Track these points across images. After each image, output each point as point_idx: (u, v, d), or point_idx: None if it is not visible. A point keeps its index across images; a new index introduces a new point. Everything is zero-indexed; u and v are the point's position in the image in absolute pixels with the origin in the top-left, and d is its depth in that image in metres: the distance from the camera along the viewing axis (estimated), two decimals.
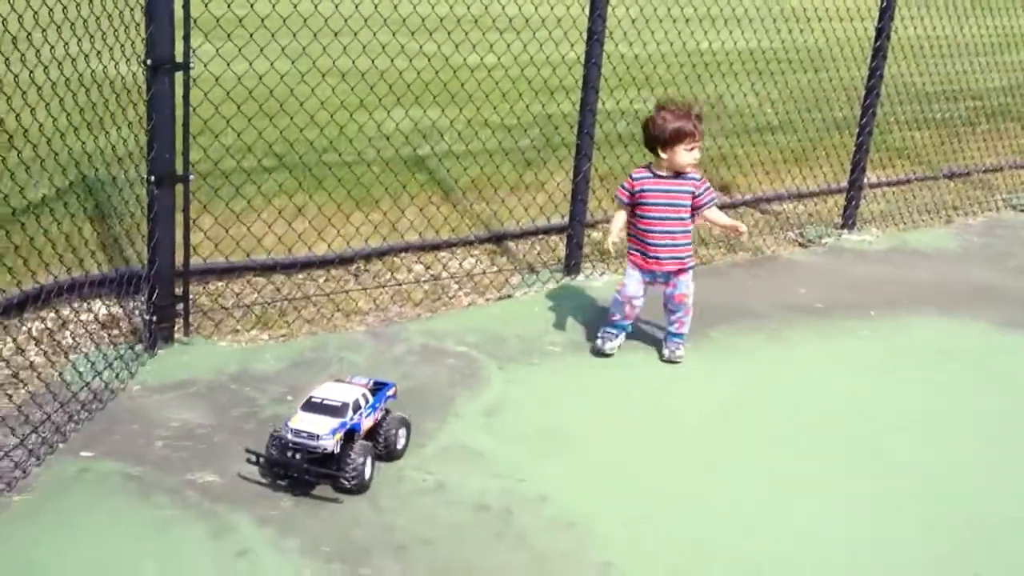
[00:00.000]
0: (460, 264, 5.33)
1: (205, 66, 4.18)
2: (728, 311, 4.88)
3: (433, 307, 4.82)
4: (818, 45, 6.97)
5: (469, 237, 5.56)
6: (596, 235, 5.66)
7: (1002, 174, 7.89)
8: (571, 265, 5.18)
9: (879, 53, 5.97)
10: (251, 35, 4.34)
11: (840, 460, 3.66)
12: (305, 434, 3.17)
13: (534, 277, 5.15)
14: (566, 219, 5.27)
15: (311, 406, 3.26)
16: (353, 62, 4.83)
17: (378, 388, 3.50)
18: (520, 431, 3.71)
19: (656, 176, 4.22)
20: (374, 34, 4.78)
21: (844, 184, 6.41)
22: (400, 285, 4.94)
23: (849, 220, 6.30)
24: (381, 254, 5.25)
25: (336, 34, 4.63)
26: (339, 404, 3.25)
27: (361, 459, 3.20)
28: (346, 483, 3.18)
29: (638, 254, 4.29)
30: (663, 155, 4.16)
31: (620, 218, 4.33)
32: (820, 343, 4.62)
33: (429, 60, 5.13)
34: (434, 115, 6.01)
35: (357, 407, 3.29)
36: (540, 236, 5.77)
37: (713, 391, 4.13)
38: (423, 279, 5.06)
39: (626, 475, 3.49)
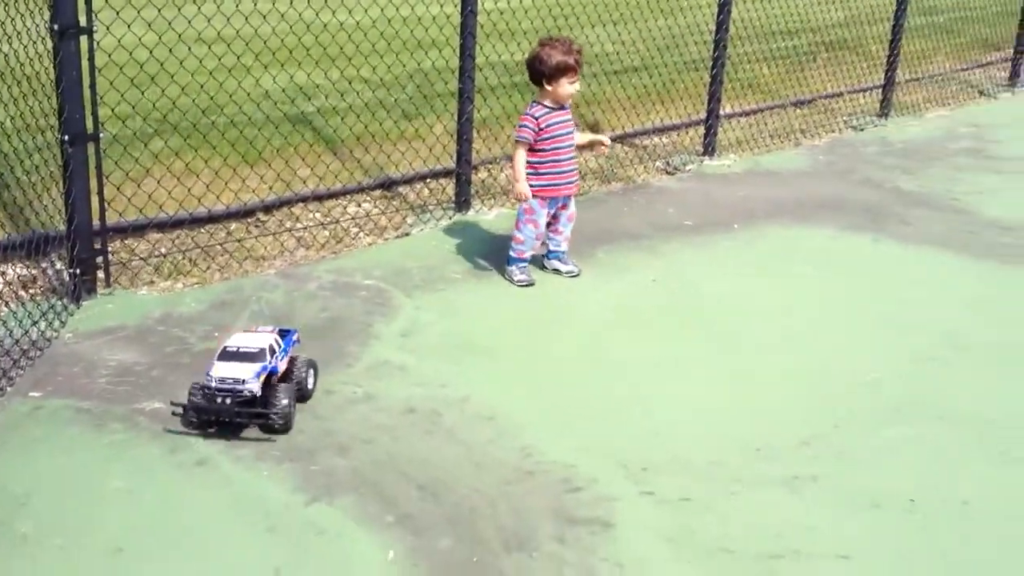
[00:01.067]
0: (357, 208, 5.64)
1: (108, 29, 4.37)
2: (608, 234, 5.35)
3: (336, 249, 5.13)
4: None
5: (362, 184, 5.86)
6: (481, 175, 6.04)
7: (842, 99, 8.59)
8: (461, 202, 5.56)
9: None
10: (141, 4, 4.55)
11: (717, 343, 4.18)
12: (231, 380, 3.33)
13: (428, 215, 5.50)
14: (450, 165, 5.63)
15: (228, 355, 3.42)
16: (237, 32, 5.05)
17: (284, 334, 3.66)
18: (436, 346, 4.09)
19: (551, 109, 4.60)
20: (255, 4, 5.02)
21: (703, 116, 6.95)
22: (305, 228, 5.22)
23: (709, 148, 6.85)
24: (280, 204, 5.51)
25: (219, 6, 4.85)
26: (256, 350, 3.42)
27: (286, 399, 3.38)
28: (276, 421, 3.35)
29: (548, 187, 4.66)
30: (548, 87, 4.54)
31: (522, 158, 4.61)
32: (692, 253, 5.13)
33: (308, 26, 5.39)
34: (314, 76, 6.26)
35: (272, 351, 3.47)
36: (428, 180, 6.09)
37: (605, 298, 4.60)
38: (324, 223, 5.35)
39: (537, 372, 3.92)
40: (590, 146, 5.00)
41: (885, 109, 8.18)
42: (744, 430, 3.53)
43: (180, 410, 3.37)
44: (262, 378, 3.40)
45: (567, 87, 4.55)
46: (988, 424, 3.60)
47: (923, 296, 4.71)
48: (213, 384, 3.36)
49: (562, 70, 4.51)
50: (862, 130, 7.85)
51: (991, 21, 11.12)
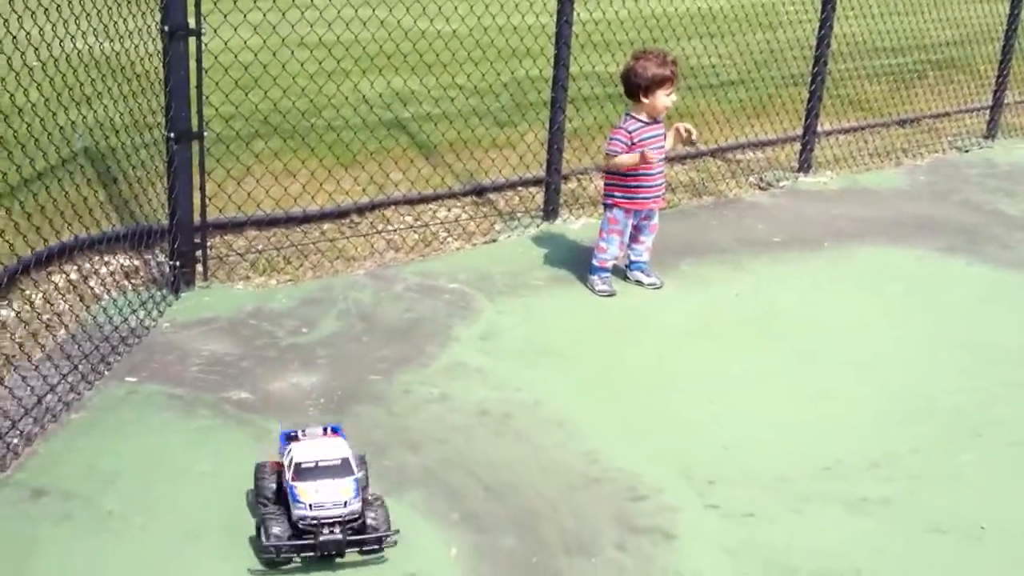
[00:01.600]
0: (447, 213, 5.76)
1: (215, 31, 4.57)
2: (695, 247, 5.35)
3: (424, 252, 5.25)
4: (771, 3, 7.41)
5: (453, 190, 5.98)
6: (571, 185, 6.10)
7: (948, 119, 8.39)
8: (549, 211, 5.62)
9: (827, 4, 6.41)
10: (248, 8, 4.75)
11: (795, 359, 4.16)
12: (330, 504, 2.81)
13: (516, 223, 5.59)
14: (540, 173, 5.71)
15: (308, 473, 2.86)
16: (338, 37, 5.23)
17: (335, 431, 3.10)
18: (513, 350, 4.16)
19: (644, 123, 4.62)
20: (356, 10, 5.19)
21: (799, 132, 6.88)
22: (395, 231, 5.36)
23: (805, 164, 6.78)
24: (373, 207, 5.66)
25: (321, 12, 5.04)
26: (339, 460, 2.90)
27: (385, 511, 2.91)
28: (391, 543, 2.86)
29: (635, 199, 4.66)
30: (644, 100, 4.55)
31: (617, 164, 4.60)
32: (778, 270, 5.10)
33: (406, 33, 5.54)
34: (411, 82, 6.40)
35: (354, 459, 2.97)
36: (518, 188, 6.18)
37: (685, 310, 4.61)
38: (415, 226, 5.48)
39: (611, 380, 3.97)
40: (678, 139, 4.80)
41: (992, 130, 7.96)
42: (816, 448, 3.51)
43: (274, 554, 2.79)
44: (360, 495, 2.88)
45: (663, 99, 4.55)
46: None
47: (1014, 322, 4.59)
48: (308, 512, 2.80)
49: (658, 82, 4.51)
50: (967, 151, 7.66)
51: None
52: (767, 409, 3.78)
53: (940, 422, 3.71)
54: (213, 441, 3.41)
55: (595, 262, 4.78)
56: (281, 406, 3.65)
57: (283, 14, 5.03)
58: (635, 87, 4.56)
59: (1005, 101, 8.01)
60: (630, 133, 4.59)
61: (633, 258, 4.85)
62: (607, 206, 4.73)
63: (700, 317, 4.55)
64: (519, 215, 5.73)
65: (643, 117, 4.61)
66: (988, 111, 8.04)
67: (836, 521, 3.12)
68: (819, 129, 6.87)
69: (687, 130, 4.73)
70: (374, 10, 5.44)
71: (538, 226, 5.55)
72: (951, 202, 6.38)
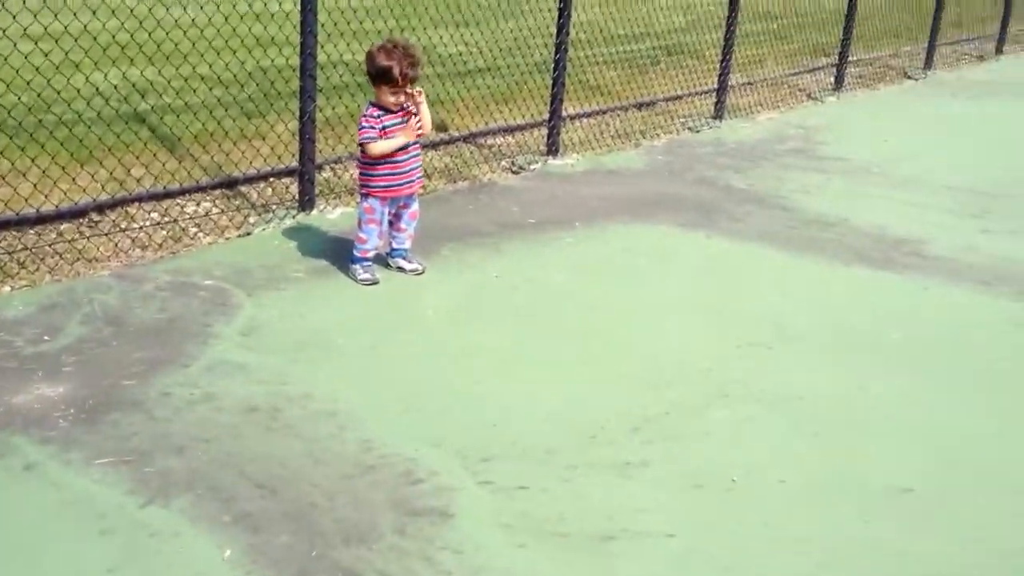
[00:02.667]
0: (197, 208, 5.54)
1: None
2: (454, 231, 5.42)
3: (175, 249, 5.03)
4: None
5: (202, 183, 5.76)
6: (326, 174, 6.02)
7: (680, 102, 8.92)
8: (305, 201, 5.53)
9: None
10: None
11: (556, 335, 4.30)
12: None
13: (271, 215, 5.45)
14: (294, 164, 5.60)
15: None
16: (65, 27, 4.91)
17: None
18: (277, 344, 4.07)
19: (385, 111, 4.54)
20: None
21: (546, 117, 7.10)
22: (141, 228, 5.10)
23: (553, 148, 7.01)
24: (115, 204, 5.37)
25: (45, 1, 4.69)
26: None
27: None
28: None
29: (387, 187, 4.61)
30: (376, 90, 4.50)
31: (379, 149, 4.51)
32: (534, 250, 5.25)
33: (141, 22, 5.26)
34: (148, 74, 6.10)
35: None
36: (271, 180, 6.04)
37: (448, 293, 4.66)
38: (162, 223, 5.24)
39: (380, 367, 3.95)
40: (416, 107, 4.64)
41: (719, 111, 8.53)
42: (581, 418, 3.65)
43: None
44: None
45: (389, 97, 4.49)
46: (805, 406, 3.83)
47: (750, 288, 4.95)
48: None
49: (381, 76, 4.43)
50: (698, 131, 8.17)
51: (820, 28, 11.72)
52: (533, 385, 3.89)
53: (690, 383, 3.95)
54: None
55: (356, 252, 4.74)
56: (27, 419, 3.40)
57: (2, 4, 4.66)
58: (369, 76, 4.52)
59: (729, 84, 8.59)
60: (375, 120, 4.52)
61: (395, 245, 4.85)
62: (363, 196, 4.69)
63: (463, 299, 4.62)
64: (273, 207, 5.59)
65: (382, 105, 4.54)
66: (715, 93, 8.61)
67: (603, 486, 3.26)
68: (564, 114, 7.13)
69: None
70: None
71: (294, 217, 5.45)
72: (687, 180, 6.78)
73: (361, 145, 4.59)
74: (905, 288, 5.04)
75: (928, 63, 11.73)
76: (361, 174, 4.70)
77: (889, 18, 12.80)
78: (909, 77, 11.29)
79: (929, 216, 6.20)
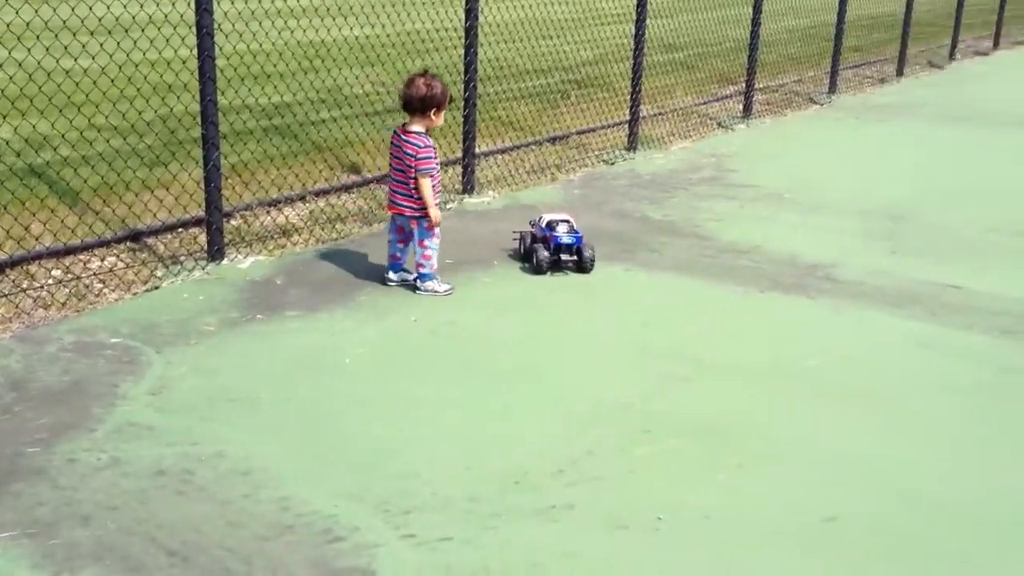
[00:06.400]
0: (101, 263, 5.37)
1: None
2: (369, 275, 5.34)
3: (79, 307, 4.86)
4: (420, 31, 7.58)
5: (106, 237, 5.59)
6: (235, 222, 5.90)
7: (594, 135, 8.98)
8: (214, 251, 5.39)
9: (471, 32, 6.65)
10: None
11: (475, 379, 4.24)
12: None
13: (179, 267, 5.31)
14: (201, 213, 5.46)
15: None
16: None
17: None
18: (188, 402, 3.94)
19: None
20: None
21: (460, 155, 7.07)
22: (42, 287, 4.92)
23: (468, 186, 6.98)
24: (14, 264, 5.18)
25: None
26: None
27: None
28: None
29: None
30: (433, 118, 5.05)
31: (429, 186, 5.02)
32: (453, 292, 5.19)
33: (30, 75, 5.10)
34: (41, 127, 5.90)
35: None
36: (178, 231, 5.89)
37: (365, 340, 4.57)
38: (64, 280, 5.06)
39: (296, 421, 3.84)
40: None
41: (632, 143, 8.61)
42: (503, 464, 3.59)
43: None
44: None
45: (440, 120, 5.10)
46: (727, 438, 3.82)
47: (668, 319, 4.96)
48: None
49: (445, 100, 5.04)
50: (613, 164, 8.22)
51: (725, 57, 11.96)
52: (455, 430, 3.82)
53: (613, 420, 3.92)
54: None
55: (426, 269, 5.09)
56: None
57: None
58: (424, 103, 4.98)
59: (641, 115, 8.68)
60: (434, 148, 5.04)
61: (403, 257, 5.24)
62: (424, 217, 5.03)
63: (382, 346, 4.53)
64: (182, 258, 5.45)
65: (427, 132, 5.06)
66: (627, 125, 8.68)
67: (527, 532, 3.20)
68: (477, 151, 7.11)
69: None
70: None
71: (203, 268, 5.31)
72: (604, 212, 6.80)
73: (429, 173, 4.99)
74: (819, 313, 5.10)
75: (832, 87, 12.02)
76: (417, 197, 5.01)
77: (790, 45, 13.12)
78: (815, 102, 11.55)
79: (840, 240, 6.30)
